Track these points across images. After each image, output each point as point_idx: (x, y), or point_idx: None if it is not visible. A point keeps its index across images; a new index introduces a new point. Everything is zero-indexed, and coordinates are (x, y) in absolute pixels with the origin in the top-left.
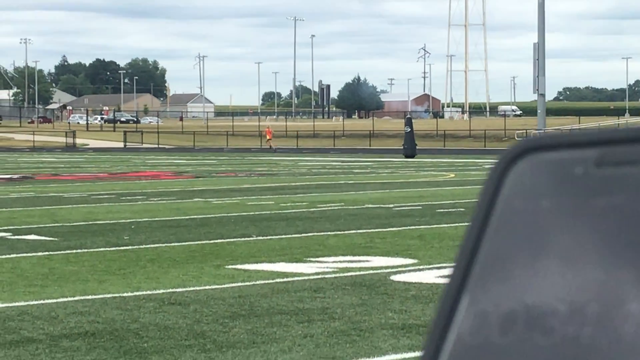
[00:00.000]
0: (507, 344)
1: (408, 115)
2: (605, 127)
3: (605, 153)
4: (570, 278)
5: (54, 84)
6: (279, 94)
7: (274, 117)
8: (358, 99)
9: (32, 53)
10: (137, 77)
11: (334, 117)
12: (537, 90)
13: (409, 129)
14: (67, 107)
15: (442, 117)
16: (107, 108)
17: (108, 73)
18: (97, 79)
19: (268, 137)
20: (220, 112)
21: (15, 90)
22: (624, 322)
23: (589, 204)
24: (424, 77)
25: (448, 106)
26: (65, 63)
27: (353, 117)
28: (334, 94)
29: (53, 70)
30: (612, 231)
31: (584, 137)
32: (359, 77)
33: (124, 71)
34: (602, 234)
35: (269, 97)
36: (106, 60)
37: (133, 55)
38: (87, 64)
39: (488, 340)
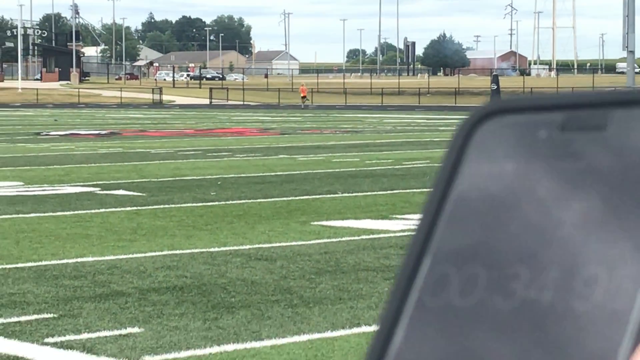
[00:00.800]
0: (467, 306)
1: (495, 73)
2: (574, 90)
3: (570, 117)
4: (533, 241)
5: (140, 41)
6: (363, 51)
7: (359, 74)
8: (443, 56)
9: (120, 10)
10: (222, 34)
11: (419, 75)
12: (627, 47)
13: (495, 87)
14: (154, 64)
15: (529, 74)
16: (193, 65)
17: (194, 30)
18: (183, 36)
19: (302, 95)
20: (305, 69)
21: (102, 47)
22: (586, 286)
23: (552, 168)
24: (511, 34)
25: (535, 63)
26: (152, 20)
27: (438, 74)
28: (419, 51)
29: (140, 28)
30: (575, 195)
31: (549, 101)
32: (444, 34)
33: (210, 28)
34: (565, 197)
35: (353, 54)
36: (192, 17)
37: (219, 12)
38: (174, 21)
39: (448, 303)
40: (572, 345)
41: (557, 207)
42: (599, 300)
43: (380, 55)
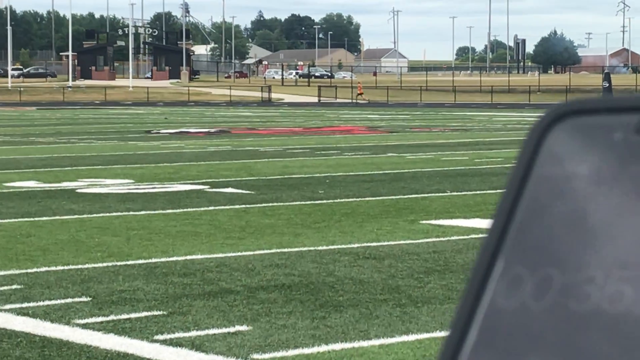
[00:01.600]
0: (541, 309)
1: (606, 70)
2: None
3: None
4: (608, 245)
5: (250, 39)
6: (473, 49)
7: (468, 72)
8: (554, 54)
9: (230, 9)
10: (331, 32)
11: (529, 72)
12: None
13: (607, 85)
14: (263, 62)
15: None
16: (301, 63)
17: (303, 28)
18: (292, 34)
19: (359, 92)
20: (414, 67)
21: (212, 45)
22: None
23: (627, 171)
24: (623, 31)
25: None
26: (261, 18)
27: (549, 72)
28: (530, 48)
29: (249, 26)
30: None
31: (624, 103)
32: (555, 31)
33: (319, 26)
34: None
35: (463, 52)
36: (301, 15)
37: (327, 10)
38: (283, 19)
39: (522, 305)
40: None
41: (631, 211)
42: None
43: (490, 53)
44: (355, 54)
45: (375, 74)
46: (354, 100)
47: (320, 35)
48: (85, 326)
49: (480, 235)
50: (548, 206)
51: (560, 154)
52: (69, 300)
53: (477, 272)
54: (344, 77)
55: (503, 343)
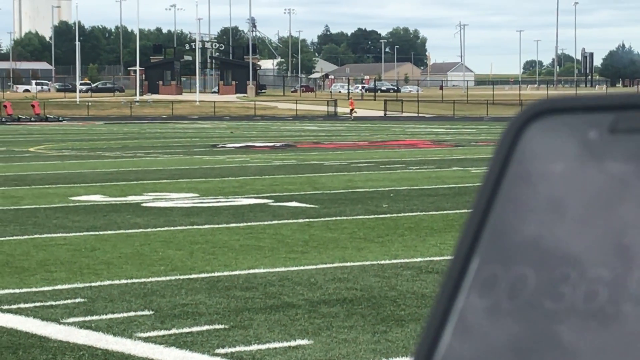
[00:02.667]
0: (516, 308)
1: None
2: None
3: (619, 119)
4: (582, 244)
5: (316, 54)
6: (540, 63)
7: (535, 85)
8: (621, 67)
9: (296, 23)
10: (397, 46)
11: (597, 86)
12: None
13: None
14: (329, 76)
15: None
16: (367, 77)
17: (369, 42)
18: (359, 48)
19: (351, 107)
20: (481, 81)
21: (279, 60)
22: (636, 290)
23: (601, 170)
24: None
25: None
26: (328, 32)
27: (617, 85)
28: (597, 62)
29: (315, 40)
30: (625, 198)
31: (599, 102)
32: (623, 45)
33: (385, 40)
34: (614, 201)
35: (530, 66)
36: (367, 29)
37: (394, 24)
38: (349, 34)
39: (497, 303)
40: (624, 350)
41: (605, 210)
42: None
43: (558, 67)
44: (422, 67)
45: (441, 87)
46: (350, 117)
47: (387, 50)
48: (147, 339)
49: None
50: (524, 204)
51: (535, 152)
52: (132, 313)
53: (452, 271)
54: (410, 91)
55: (478, 343)
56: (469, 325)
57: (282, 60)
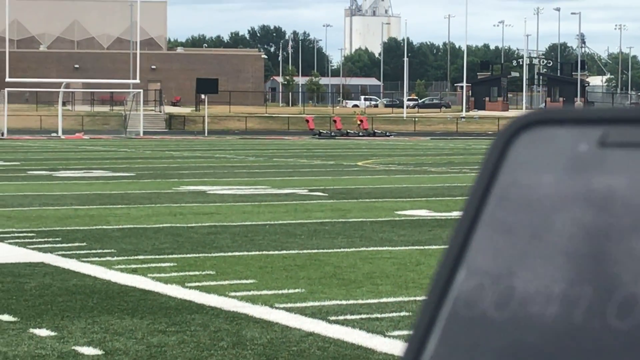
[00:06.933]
0: (502, 319)
1: None
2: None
3: (608, 133)
4: (570, 255)
5: None
6: None
7: None
8: None
9: (627, 39)
10: None
11: None
12: None
13: None
14: None
15: None
16: None
17: None
18: None
19: (359, 121)
20: None
21: (608, 76)
22: (617, 307)
23: (590, 183)
24: None
25: None
26: None
27: None
28: None
29: None
30: (612, 212)
31: (588, 115)
32: None
33: None
34: (601, 214)
35: None
36: None
37: None
38: None
39: (483, 314)
40: None
41: (592, 223)
42: (632, 323)
43: None
44: None
45: None
46: (357, 132)
47: None
48: None
49: None
50: (511, 216)
51: (524, 163)
52: None
53: (438, 281)
54: None
55: (463, 352)
56: (455, 334)
57: (612, 77)
